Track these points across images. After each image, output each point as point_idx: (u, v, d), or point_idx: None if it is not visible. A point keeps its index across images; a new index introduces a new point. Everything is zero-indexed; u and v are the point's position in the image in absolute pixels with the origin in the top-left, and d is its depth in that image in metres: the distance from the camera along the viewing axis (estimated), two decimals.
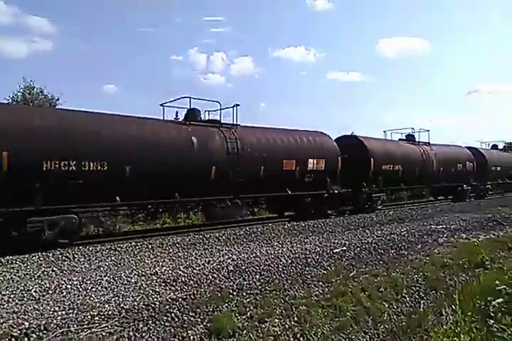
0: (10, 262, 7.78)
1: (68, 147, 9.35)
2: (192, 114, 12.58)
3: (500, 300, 4.46)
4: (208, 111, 13.40)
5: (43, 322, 4.84)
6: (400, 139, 20.74)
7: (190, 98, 12.55)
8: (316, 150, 14.71)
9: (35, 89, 18.32)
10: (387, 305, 6.51)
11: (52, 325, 4.81)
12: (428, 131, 21.30)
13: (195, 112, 12.71)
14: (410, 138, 20.81)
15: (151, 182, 10.53)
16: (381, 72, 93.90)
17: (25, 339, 4.46)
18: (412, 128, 21.12)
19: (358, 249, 9.37)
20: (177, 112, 14.66)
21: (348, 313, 6.03)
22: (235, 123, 13.09)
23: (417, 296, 7.00)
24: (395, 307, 6.55)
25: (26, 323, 4.83)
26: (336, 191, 15.18)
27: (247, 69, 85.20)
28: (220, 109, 13.06)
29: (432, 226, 12.64)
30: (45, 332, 4.62)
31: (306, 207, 14.57)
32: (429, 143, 21.18)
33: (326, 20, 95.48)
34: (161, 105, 12.80)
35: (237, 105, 13.14)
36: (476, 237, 11.12)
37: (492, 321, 3.77)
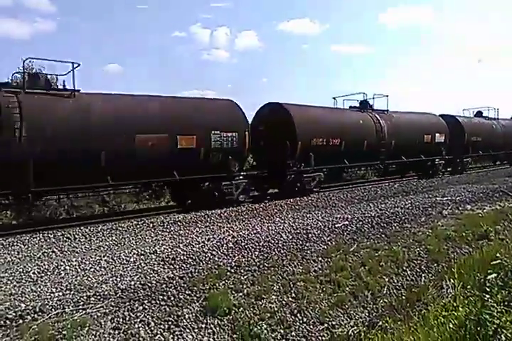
0: (11, 244, 7.83)
1: None
2: None
3: (493, 275, 4.35)
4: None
5: (39, 304, 4.87)
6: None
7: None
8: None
9: (33, 70, 18.06)
10: (387, 280, 6.45)
11: (47, 306, 4.83)
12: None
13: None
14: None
15: None
16: (386, 43, 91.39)
17: (20, 321, 4.47)
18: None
19: (361, 223, 9.28)
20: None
21: (347, 288, 5.99)
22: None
23: (418, 270, 6.94)
24: (395, 281, 6.49)
25: (23, 305, 4.86)
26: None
27: (251, 43, 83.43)
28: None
29: (437, 199, 12.47)
30: (40, 313, 4.64)
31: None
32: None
33: None
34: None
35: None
36: (481, 208, 10.96)
37: (487, 296, 3.69)
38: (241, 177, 12.57)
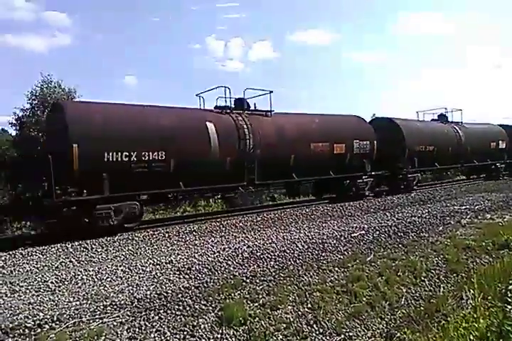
0: (30, 254, 7.95)
1: None
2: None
3: None
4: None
5: (57, 313, 4.92)
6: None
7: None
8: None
9: (52, 83, 18.49)
10: (405, 290, 6.34)
11: (65, 315, 4.88)
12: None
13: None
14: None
15: None
16: (399, 51, 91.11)
17: (38, 329, 4.52)
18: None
19: (377, 232, 9.17)
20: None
21: (364, 299, 5.90)
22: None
23: (436, 280, 6.80)
24: (413, 291, 6.37)
25: (41, 314, 4.92)
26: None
27: (266, 53, 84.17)
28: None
29: (456, 207, 12.27)
30: (57, 322, 4.68)
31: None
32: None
33: (342, 1, 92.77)
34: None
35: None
36: (502, 217, 10.73)
37: (509, 307, 3.59)
38: (367, 176, 15.52)
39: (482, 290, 5.64)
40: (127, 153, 9.61)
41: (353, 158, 14.85)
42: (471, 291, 5.50)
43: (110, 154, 9.38)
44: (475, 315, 4.66)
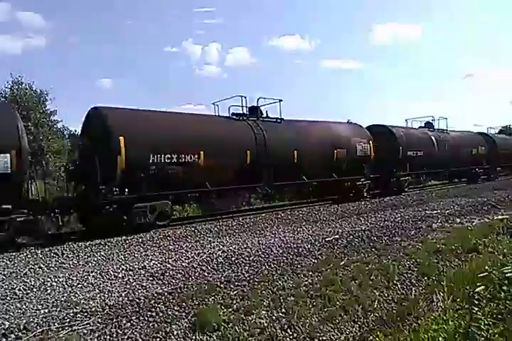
0: None
1: None
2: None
3: (481, 287, 4.35)
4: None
5: (24, 321, 4.76)
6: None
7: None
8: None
9: (23, 85, 18.08)
10: (377, 293, 6.39)
11: (32, 323, 4.73)
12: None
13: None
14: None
15: None
16: (376, 58, 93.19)
17: (3, 339, 4.36)
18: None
19: (351, 236, 9.28)
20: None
21: (338, 303, 5.93)
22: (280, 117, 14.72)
23: (408, 283, 6.90)
24: (386, 295, 6.44)
25: (6, 323, 4.75)
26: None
27: (243, 59, 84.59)
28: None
29: (427, 212, 12.55)
30: (24, 331, 4.53)
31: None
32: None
33: (319, 8, 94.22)
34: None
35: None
36: (470, 221, 11.03)
37: (476, 309, 3.68)
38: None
39: (452, 293, 5.77)
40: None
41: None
42: (441, 294, 5.62)
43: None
44: (444, 318, 4.76)
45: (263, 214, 12.99)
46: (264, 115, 14.50)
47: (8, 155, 8.40)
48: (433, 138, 21.18)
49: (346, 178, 15.90)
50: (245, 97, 13.87)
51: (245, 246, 8.46)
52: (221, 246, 8.46)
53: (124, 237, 9.61)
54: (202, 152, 11.47)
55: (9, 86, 17.88)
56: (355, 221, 11.33)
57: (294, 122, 15.04)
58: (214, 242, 8.96)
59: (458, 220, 11.28)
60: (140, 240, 9.29)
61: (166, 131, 11.17)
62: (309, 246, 8.45)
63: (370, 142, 16.94)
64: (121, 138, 9.99)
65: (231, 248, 8.28)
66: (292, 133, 14.31)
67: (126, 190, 10.13)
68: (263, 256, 7.69)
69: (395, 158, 18.46)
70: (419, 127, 22.74)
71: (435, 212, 12.54)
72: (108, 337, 4.52)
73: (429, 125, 22.84)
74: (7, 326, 4.65)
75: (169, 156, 10.85)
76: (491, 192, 17.68)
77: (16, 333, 4.49)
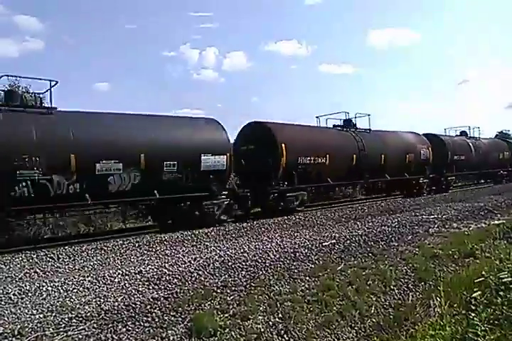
0: None
1: None
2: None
3: (478, 293, 4.35)
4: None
5: (18, 327, 4.71)
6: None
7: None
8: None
9: (20, 88, 18.01)
10: (374, 299, 6.40)
11: (27, 329, 4.69)
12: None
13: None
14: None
15: None
16: (372, 63, 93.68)
17: None
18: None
19: (348, 241, 9.27)
20: None
21: (334, 308, 5.92)
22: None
23: (405, 288, 6.91)
24: (383, 300, 6.44)
25: (1, 328, 4.71)
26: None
27: (240, 63, 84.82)
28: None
29: (424, 217, 12.56)
30: (18, 337, 4.49)
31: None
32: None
33: (317, 13, 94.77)
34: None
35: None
36: (467, 226, 11.05)
37: (473, 314, 3.68)
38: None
39: (449, 298, 5.77)
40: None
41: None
42: (438, 299, 5.61)
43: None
44: (441, 323, 4.76)
45: (260, 219, 12.92)
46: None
47: (224, 156, 11.94)
48: (470, 144, 24.36)
49: (413, 177, 19.51)
50: (348, 113, 17.75)
51: (242, 250, 8.43)
52: (218, 251, 8.44)
53: (120, 242, 9.57)
54: (328, 155, 15.16)
55: (6, 89, 17.76)
56: (353, 225, 11.32)
57: (378, 132, 18.59)
58: (211, 247, 8.93)
59: (455, 225, 11.30)
60: (136, 245, 9.25)
61: (307, 140, 14.88)
62: (306, 250, 8.43)
63: (429, 148, 20.41)
64: (283, 145, 13.54)
65: (228, 252, 8.26)
66: (378, 141, 17.87)
67: (286, 183, 13.77)
68: (260, 260, 7.66)
69: (445, 162, 21.71)
70: (456, 135, 25.38)
71: (432, 216, 12.55)
72: None
73: (464, 133, 25.88)
74: (1, 331, 4.61)
75: (309, 159, 14.50)
76: None
77: (10, 339, 4.45)
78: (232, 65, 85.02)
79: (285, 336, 5.12)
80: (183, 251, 8.61)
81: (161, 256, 8.24)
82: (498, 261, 6.91)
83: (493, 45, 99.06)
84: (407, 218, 12.41)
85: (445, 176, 22.12)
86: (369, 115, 18.22)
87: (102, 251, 8.66)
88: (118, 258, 8.05)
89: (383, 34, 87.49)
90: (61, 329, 4.71)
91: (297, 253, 8.20)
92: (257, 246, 8.79)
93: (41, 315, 5.11)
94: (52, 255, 8.29)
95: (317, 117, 17.61)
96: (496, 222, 11.45)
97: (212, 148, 11.78)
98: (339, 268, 7.31)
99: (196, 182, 11.34)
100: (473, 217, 12.67)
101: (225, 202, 12.28)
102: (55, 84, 10.22)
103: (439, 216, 12.66)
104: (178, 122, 12.26)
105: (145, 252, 8.61)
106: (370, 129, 18.17)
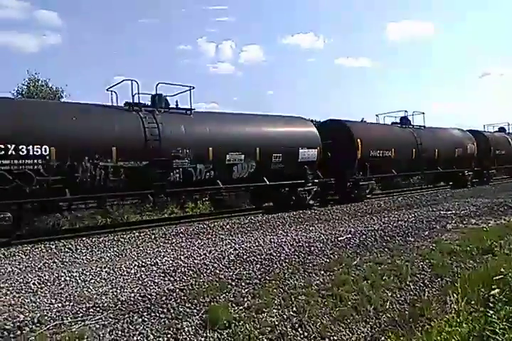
0: (12, 254, 7.82)
1: None
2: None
3: (497, 290, 4.27)
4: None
5: (38, 315, 4.82)
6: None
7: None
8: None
9: (39, 82, 18.32)
10: (390, 294, 6.34)
11: (46, 317, 4.78)
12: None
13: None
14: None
15: None
16: (390, 57, 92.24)
17: (18, 332, 4.43)
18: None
19: (364, 236, 9.21)
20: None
21: (349, 303, 5.89)
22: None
23: (421, 284, 6.83)
24: (398, 296, 6.38)
25: (21, 316, 4.82)
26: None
27: (256, 57, 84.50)
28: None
29: (441, 212, 12.39)
30: (38, 325, 4.59)
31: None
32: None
33: (333, 6, 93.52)
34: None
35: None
36: (486, 223, 10.86)
37: (491, 312, 3.61)
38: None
39: (466, 295, 5.69)
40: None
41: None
42: (455, 296, 5.54)
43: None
44: (458, 320, 4.70)
45: (275, 213, 12.92)
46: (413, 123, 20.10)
47: (315, 150, 14.37)
48: (510, 139, 26.43)
49: (460, 170, 21.92)
50: (406, 111, 20.06)
51: (257, 244, 8.46)
52: (233, 244, 8.48)
53: (136, 233, 9.69)
54: (393, 149, 17.43)
55: (26, 83, 18.09)
56: (368, 220, 11.24)
57: (431, 128, 20.77)
58: (226, 240, 8.97)
59: (473, 221, 11.11)
60: (152, 237, 9.35)
61: (376, 135, 17.20)
62: (321, 245, 8.40)
63: (474, 143, 22.60)
64: (358, 140, 15.91)
65: (243, 246, 8.28)
66: (432, 136, 20.01)
67: (361, 173, 16.13)
68: (275, 254, 7.67)
69: (488, 156, 23.85)
70: (495, 131, 27.60)
71: (450, 212, 12.38)
72: (120, 332, 4.55)
73: (502, 129, 28.42)
74: (22, 319, 4.72)
75: (379, 152, 16.74)
76: None
77: (30, 326, 4.55)
78: (248, 59, 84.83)
79: (299, 329, 5.12)
80: (198, 243, 8.67)
81: (176, 248, 8.31)
82: None
83: None
84: (425, 213, 12.26)
85: (487, 169, 24.32)
86: (423, 113, 20.55)
87: (119, 243, 8.79)
88: (134, 250, 8.15)
89: (401, 27, 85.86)
90: (79, 319, 4.80)
91: (312, 248, 8.18)
92: (272, 240, 8.81)
93: (59, 304, 5.21)
94: (70, 246, 8.45)
95: (377, 115, 20.06)
96: None
97: (307, 142, 14.28)
98: (354, 262, 7.27)
99: (294, 171, 13.76)
100: (493, 213, 12.44)
101: (314, 189, 14.51)
102: (192, 88, 12.06)
103: (457, 211, 12.48)
104: (280, 120, 14.51)
105: (161, 244, 8.70)
106: (424, 126, 20.47)
